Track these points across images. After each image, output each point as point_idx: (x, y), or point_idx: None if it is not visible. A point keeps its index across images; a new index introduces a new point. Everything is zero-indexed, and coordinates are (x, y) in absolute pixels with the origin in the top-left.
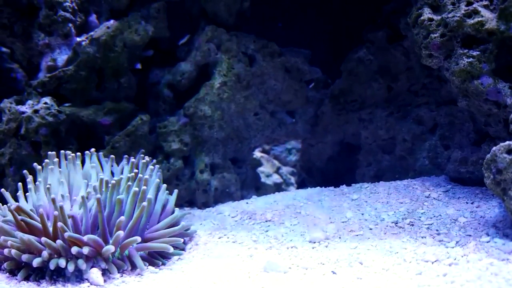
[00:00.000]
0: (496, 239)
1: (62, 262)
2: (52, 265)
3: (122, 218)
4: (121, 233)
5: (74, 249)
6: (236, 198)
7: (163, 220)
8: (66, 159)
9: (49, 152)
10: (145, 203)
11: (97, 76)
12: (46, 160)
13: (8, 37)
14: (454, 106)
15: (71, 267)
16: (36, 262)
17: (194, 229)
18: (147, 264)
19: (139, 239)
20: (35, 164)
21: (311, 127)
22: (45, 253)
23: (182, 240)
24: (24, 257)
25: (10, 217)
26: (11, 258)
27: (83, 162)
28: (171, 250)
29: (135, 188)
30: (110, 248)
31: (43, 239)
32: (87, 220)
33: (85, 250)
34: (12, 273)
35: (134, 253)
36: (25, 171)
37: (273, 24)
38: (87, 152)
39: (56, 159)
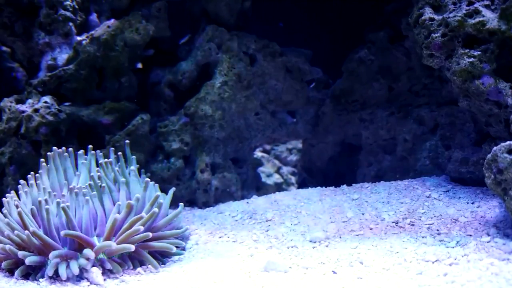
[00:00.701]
0: (497, 239)
1: (62, 269)
2: (50, 272)
3: (144, 215)
4: (140, 228)
5: (86, 252)
6: (237, 198)
7: (161, 219)
8: (61, 157)
9: (55, 148)
10: (156, 209)
11: (97, 75)
12: (42, 160)
13: (8, 36)
14: (455, 106)
15: (74, 268)
16: (29, 260)
17: (188, 232)
18: (148, 264)
19: (150, 234)
20: (41, 160)
21: (312, 127)
22: (34, 242)
23: (184, 243)
24: (21, 254)
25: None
26: (9, 256)
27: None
28: (174, 250)
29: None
30: (129, 246)
31: (32, 229)
32: (86, 220)
33: (110, 243)
34: (11, 272)
35: (142, 252)
36: (21, 181)
37: (274, 24)
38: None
39: (55, 156)
